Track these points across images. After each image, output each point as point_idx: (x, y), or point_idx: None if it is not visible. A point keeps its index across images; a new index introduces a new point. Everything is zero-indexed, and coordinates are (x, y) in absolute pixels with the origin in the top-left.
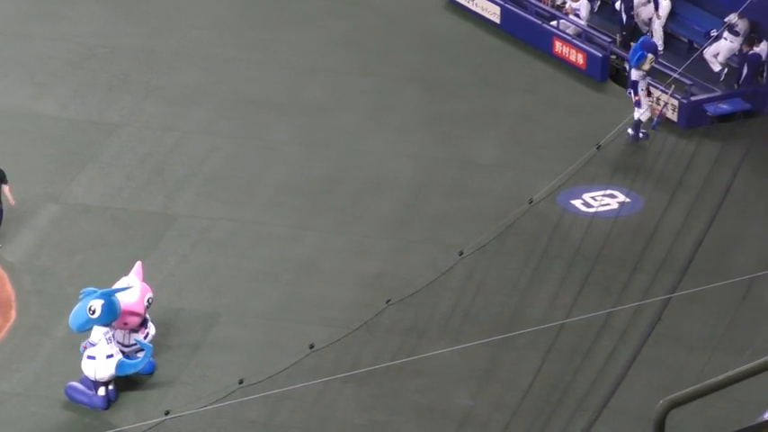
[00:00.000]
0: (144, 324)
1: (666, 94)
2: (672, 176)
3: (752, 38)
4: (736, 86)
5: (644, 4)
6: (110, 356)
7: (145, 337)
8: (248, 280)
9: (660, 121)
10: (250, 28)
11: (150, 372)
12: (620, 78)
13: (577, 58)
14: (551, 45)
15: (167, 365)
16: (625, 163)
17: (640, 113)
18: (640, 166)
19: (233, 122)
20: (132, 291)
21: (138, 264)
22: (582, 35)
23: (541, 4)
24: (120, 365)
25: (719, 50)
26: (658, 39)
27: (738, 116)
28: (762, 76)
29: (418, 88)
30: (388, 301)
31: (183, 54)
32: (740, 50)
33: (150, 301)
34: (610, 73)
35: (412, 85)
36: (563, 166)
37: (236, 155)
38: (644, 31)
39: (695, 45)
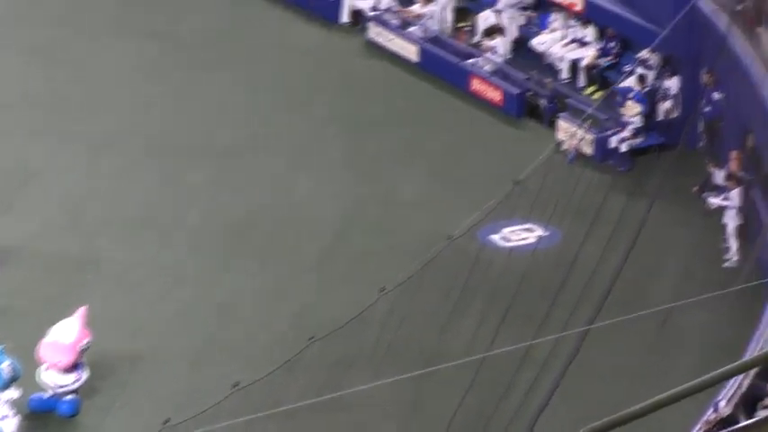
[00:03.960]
0: (77, 367)
1: (582, 128)
2: (588, 210)
3: (663, 72)
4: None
5: (564, 44)
6: (4, 418)
7: (76, 381)
8: (169, 322)
9: (576, 156)
10: (167, 71)
11: (74, 413)
12: (537, 114)
13: (494, 95)
14: (468, 83)
15: (92, 408)
16: (543, 197)
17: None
18: (558, 200)
19: (150, 166)
20: (69, 332)
21: (83, 309)
22: (498, 72)
23: (458, 43)
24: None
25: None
26: (566, 71)
27: (653, 149)
28: (675, 110)
29: (338, 128)
30: (311, 338)
31: (99, 99)
32: (653, 85)
33: (87, 346)
34: (526, 109)
35: (332, 126)
36: (482, 202)
37: (153, 198)
38: (557, 68)
39: (609, 81)
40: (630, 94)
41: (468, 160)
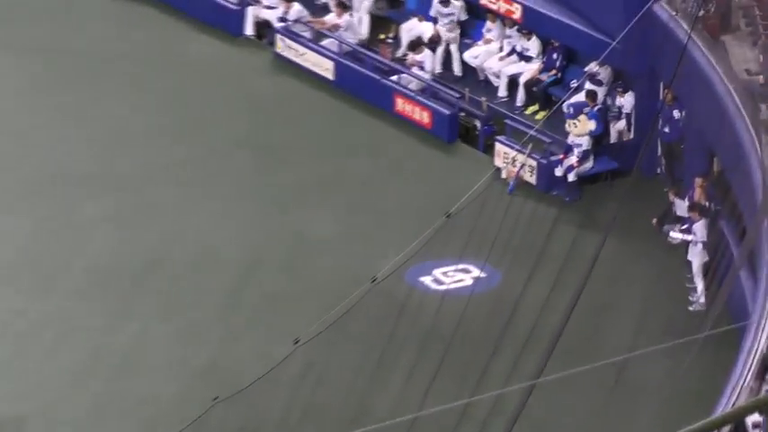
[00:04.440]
0: None
1: (523, 153)
2: (532, 246)
3: (614, 88)
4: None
5: (501, 57)
6: None
7: None
8: (58, 379)
9: (517, 185)
10: (53, 94)
11: None
12: (471, 138)
13: (422, 116)
14: (392, 103)
15: None
16: (479, 233)
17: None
18: (497, 236)
19: (35, 200)
20: None
21: None
22: (426, 90)
23: (380, 57)
24: None
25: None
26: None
27: (605, 177)
28: (628, 131)
29: (244, 156)
30: (216, 398)
31: None
32: (604, 102)
33: None
34: (459, 132)
35: (237, 153)
36: (410, 239)
37: (38, 236)
38: (494, 84)
39: (553, 98)
40: (586, 109)
41: (393, 191)
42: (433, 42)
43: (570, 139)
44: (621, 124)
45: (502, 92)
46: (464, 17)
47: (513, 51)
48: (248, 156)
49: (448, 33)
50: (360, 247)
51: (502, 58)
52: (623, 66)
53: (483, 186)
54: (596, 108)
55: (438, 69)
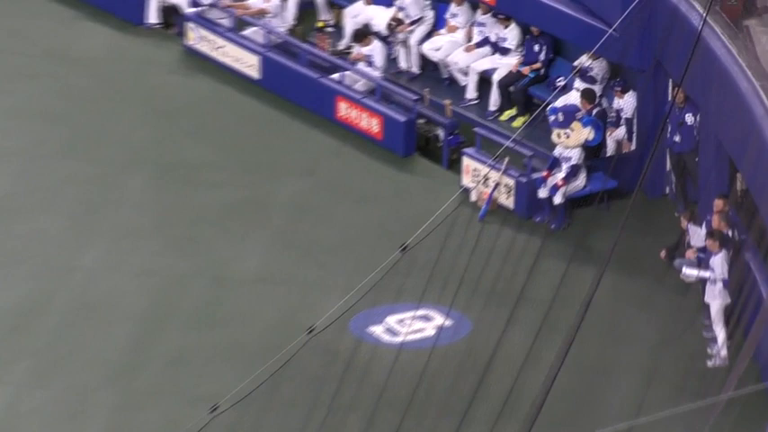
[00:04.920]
0: None
1: (497, 170)
2: (510, 286)
3: (611, 87)
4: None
5: (468, 49)
6: None
7: None
8: None
9: (490, 210)
10: None
11: None
12: (433, 151)
13: (371, 124)
14: (334, 107)
15: None
16: (443, 270)
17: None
18: (464, 273)
19: None
20: None
21: None
22: (376, 92)
23: (318, 51)
24: None
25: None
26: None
27: (600, 198)
28: (629, 141)
29: (146, 175)
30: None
31: None
32: (600, 104)
33: None
34: (417, 144)
35: (138, 171)
36: (356, 278)
37: None
38: (462, 83)
39: (535, 101)
40: (579, 114)
41: (335, 218)
42: (408, 24)
43: (557, 152)
44: (620, 132)
45: (471, 93)
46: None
47: (485, 42)
48: (152, 175)
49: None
50: (293, 288)
51: (470, 49)
52: (622, 59)
53: (447, 212)
54: (594, 111)
55: (405, 65)
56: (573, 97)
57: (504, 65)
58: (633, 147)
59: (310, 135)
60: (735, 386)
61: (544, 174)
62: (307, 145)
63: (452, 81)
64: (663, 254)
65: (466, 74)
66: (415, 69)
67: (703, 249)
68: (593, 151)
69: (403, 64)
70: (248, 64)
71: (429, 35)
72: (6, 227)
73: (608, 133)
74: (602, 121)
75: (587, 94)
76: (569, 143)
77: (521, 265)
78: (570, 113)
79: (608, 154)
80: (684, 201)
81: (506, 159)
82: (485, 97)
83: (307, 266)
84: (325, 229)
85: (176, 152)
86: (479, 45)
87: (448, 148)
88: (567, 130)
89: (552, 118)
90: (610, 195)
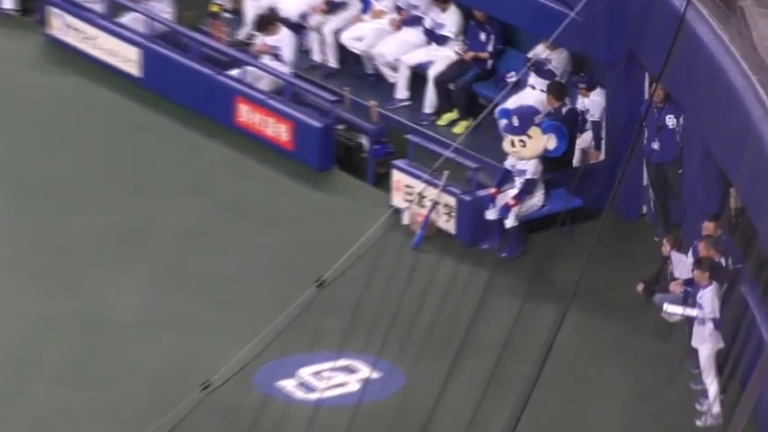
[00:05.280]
0: None
1: (435, 186)
2: (451, 329)
3: (574, 83)
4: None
5: (398, 39)
6: None
7: None
8: None
9: (426, 236)
10: None
11: None
12: (355, 163)
13: (279, 131)
14: (233, 111)
15: None
16: (369, 311)
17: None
18: (395, 314)
19: None
20: None
21: None
22: (285, 92)
23: (213, 42)
24: None
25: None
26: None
27: (562, 220)
28: (597, 150)
29: (1, 196)
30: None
31: None
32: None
33: None
34: (336, 155)
35: None
36: (261, 321)
37: None
38: (390, 80)
39: (481, 101)
40: (537, 117)
41: (235, 247)
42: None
43: (509, 164)
44: (586, 139)
45: (402, 92)
46: None
47: (414, 21)
48: (8, 196)
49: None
50: (184, 333)
51: (401, 39)
52: (587, 49)
53: (373, 238)
54: (564, 110)
55: (320, 58)
56: (528, 96)
57: (441, 57)
58: (602, 156)
59: (204, 145)
60: None
61: (492, 191)
62: (199, 157)
63: (379, 77)
64: (640, 288)
65: (395, 69)
66: (333, 63)
67: (690, 282)
68: (553, 163)
69: (317, 56)
70: (126, 58)
71: (352, 23)
72: None
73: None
74: (568, 126)
75: (555, 90)
76: (525, 153)
77: (464, 303)
78: (527, 117)
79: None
80: (666, 223)
81: (446, 173)
82: (419, 97)
83: (201, 306)
84: (222, 261)
85: (38, 167)
86: (408, 23)
87: (374, 160)
88: (523, 137)
89: (503, 122)
90: (574, 217)
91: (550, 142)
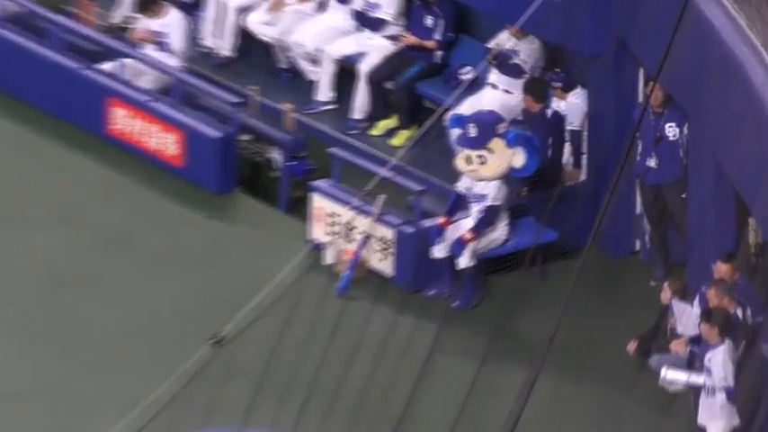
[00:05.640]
0: None
1: (366, 215)
2: (387, 403)
3: (546, 82)
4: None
5: (319, 24)
6: None
7: None
8: None
9: (356, 278)
10: None
11: None
12: (264, 184)
13: (166, 142)
14: (104, 116)
15: None
16: (280, 376)
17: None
18: (312, 380)
19: None
20: None
21: None
22: (173, 91)
23: (80, 27)
24: None
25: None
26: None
27: (531, 258)
28: (576, 168)
29: None
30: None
31: None
32: (525, 111)
33: None
34: (240, 174)
35: None
36: (142, 388)
37: None
38: (310, 77)
39: (427, 104)
40: (500, 127)
41: (110, 293)
42: None
43: (464, 186)
44: (563, 154)
45: (325, 93)
46: None
47: (343, 5)
48: None
49: None
50: (47, 404)
51: (324, 24)
52: (566, 38)
53: (287, 282)
54: (548, 112)
55: (213, 44)
56: (488, 98)
57: (376, 48)
58: (583, 176)
59: (68, 161)
60: None
61: (442, 221)
62: (63, 177)
63: (295, 74)
64: (632, 347)
65: (317, 62)
66: (227, 50)
67: (696, 340)
68: (521, 186)
69: (210, 41)
70: None
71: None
72: None
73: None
74: (553, 135)
75: (533, 88)
76: (484, 172)
77: (404, 366)
78: (486, 125)
79: (540, 186)
80: (665, 262)
81: (381, 198)
82: (346, 99)
83: (66, 370)
84: (95, 312)
85: None
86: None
87: (288, 181)
88: (482, 152)
89: (456, 132)
90: (546, 254)
91: (517, 158)
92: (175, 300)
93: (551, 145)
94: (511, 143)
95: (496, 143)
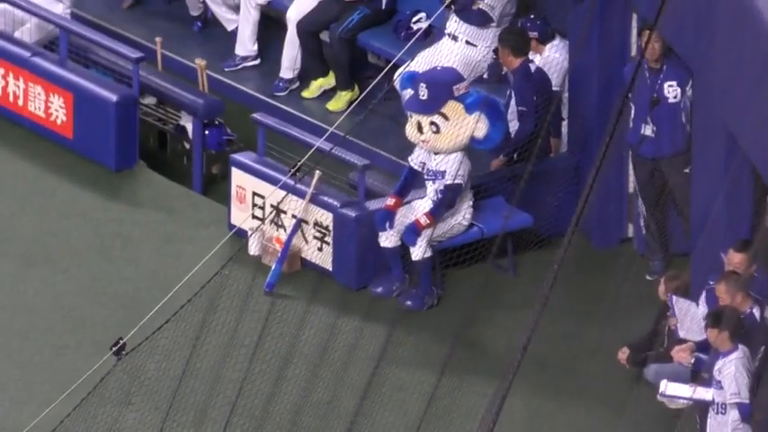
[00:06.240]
0: None
1: (300, 195)
2: (325, 423)
3: (521, 35)
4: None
5: None
6: None
7: None
8: None
9: (287, 272)
10: None
11: None
12: (173, 158)
13: (52, 107)
14: None
15: None
16: (196, 392)
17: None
18: (237, 398)
19: None
20: None
21: None
22: (61, 44)
23: None
24: None
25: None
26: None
27: (499, 247)
28: (555, 136)
29: None
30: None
31: None
32: (492, 68)
33: None
34: (143, 145)
35: None
36: (25, 407)
37: None
38: (228, 27)
39: (372, 60)
40: (459, 87)
41: None
42: None
43: (419, 160)
44: (533, 121)
45: (246, 45)
46: None
47: None
48: None
49: None
50: None
51: None
52: None
53: (203, 278)
54: (532, 67)
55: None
56: (445, 53)
57: None
58: (563, 148)
59: None
60: None
61: (391, 202)
62: None
63: (207, 22)
64: (623, 356)
65: (236, 9)
66: None
67: (703, 346)
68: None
69: None
70: None
71: None
72: None
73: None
74: (539, 95)
75: (513, 40)
76: (438, 143)
77: (345, 379)
78: (441, 86)
79: (514, 159)
80: (664, 252)
81: (317, 174)
82: (273, 54)
83: None
84: None
85: None
86: None
87: (202, 154)
88: (435, 118)
89: (407, 93)
90: (519, 243)
91: (479, 127)
92: (66, 299)
93: (536, 107)
94: (470, 108)
95: (452, 107)
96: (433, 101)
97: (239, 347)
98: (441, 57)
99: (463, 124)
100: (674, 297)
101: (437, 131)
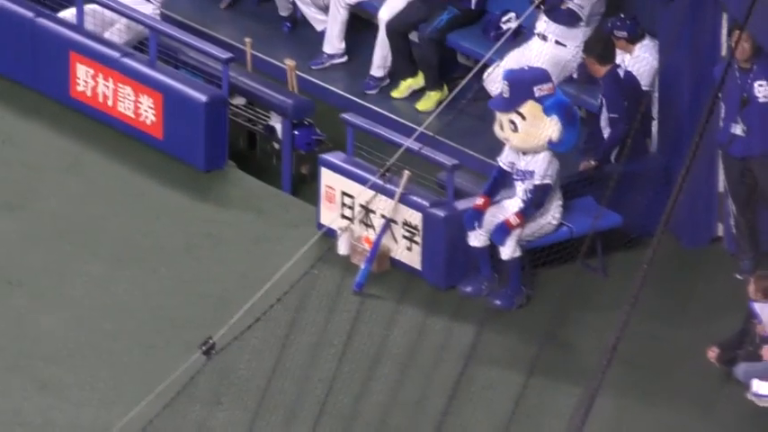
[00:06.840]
0: None
1: (389, 195)
2: (416, 422)
3: (606, 35)
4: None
5: None
6: None
7: None
8: None
9: (376, 271)
10: None
11: None
12: (262, 158)
13: (141, 108)
14: (66, 74)
15: None
16: (285, 392)
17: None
18: (325, 399)
19: None
20: None
21: None
22: (150, 45)
23: None
24: None
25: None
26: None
27: (589, 248)
28: (647, 137)
29: None
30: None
31: None
32: (582, 68)
33: None
34: (232, 145)
35: None
36: (114, 407)
37: None
38: (318, 27)
39: (462, 60)
40: (543, 88)
41: (72, 292)
42: None
43: (508, 160)
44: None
45: (334, 44)
46: None
47: None
48: None
49: None
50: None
51: None
52: None
53: (292, 277)
54: (620, 72)
55: None
56: (535, 53)
57: None
58: (653, 147)
59: (17, 132)
60: None
61: (480, 202)
62: (13, 152)
63: (296, 22)
64: (713, 354)
65: (325, 8)
66: None
67: None
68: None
69: None
70: None
71: None
72: None
73: (602, 123)
74: (629, 100)
75: (596, 47)
76: (516, 142)
77: (435, 378)
78: (521, 85)
79: (603, 161)
80: (755, 252)
81: (406, 175)
82: (362, 54)
83: (14, 391)
84: (55, 315)
85: None
86: None
87: (291, 154)
88: (513, 117)
89: (497, 88)
90: (608, 243)
91: (553, 130)
92: (155, 299)
93: (627, 112)
94: (548, 111)
95: (531, 107)
96: (512, 99)
97: (328, 347)
98: (530, 57)
99: (540, 125)
100: (756, 304)
101: (515, 130)
